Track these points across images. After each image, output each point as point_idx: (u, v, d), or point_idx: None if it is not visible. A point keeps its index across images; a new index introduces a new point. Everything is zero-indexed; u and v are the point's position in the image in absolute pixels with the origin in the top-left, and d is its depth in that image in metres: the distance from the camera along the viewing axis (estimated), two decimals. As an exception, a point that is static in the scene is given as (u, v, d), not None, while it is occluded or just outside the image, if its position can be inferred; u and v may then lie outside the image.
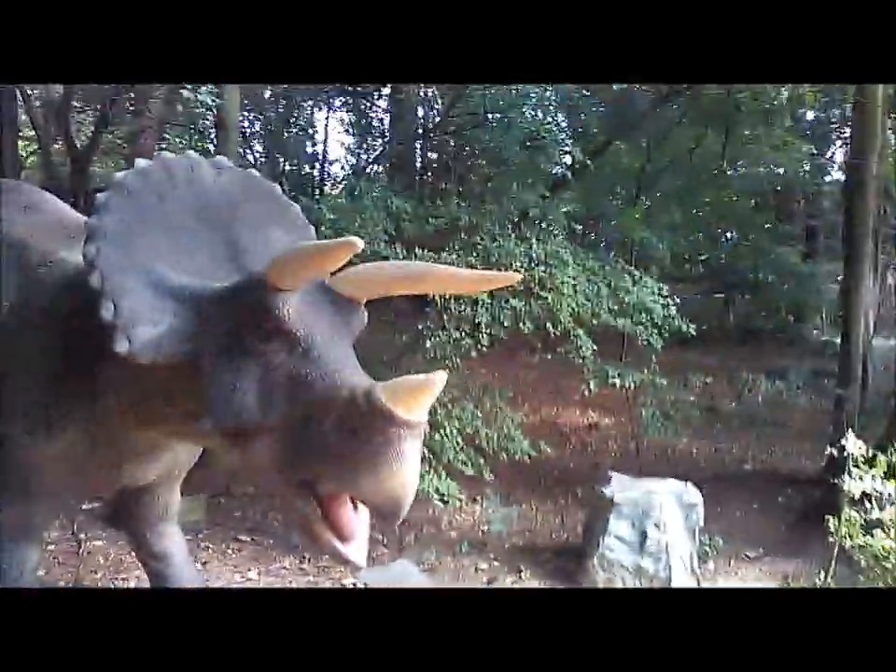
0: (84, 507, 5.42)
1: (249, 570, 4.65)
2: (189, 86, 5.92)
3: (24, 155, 13.48)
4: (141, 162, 2.40)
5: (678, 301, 5.96)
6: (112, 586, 4.26)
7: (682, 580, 4.57)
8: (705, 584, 4.71)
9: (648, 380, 6.08)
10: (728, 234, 16.41)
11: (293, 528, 5.22)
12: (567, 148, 9.48)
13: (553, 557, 5.05)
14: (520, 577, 4.81)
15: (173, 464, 3.15)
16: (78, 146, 9.84)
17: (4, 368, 2.69)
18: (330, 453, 1.85)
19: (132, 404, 2.53)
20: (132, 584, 4.26)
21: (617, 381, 5.85)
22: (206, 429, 2.05)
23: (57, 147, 11.22)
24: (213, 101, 5.80)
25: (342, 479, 1.86)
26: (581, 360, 5.62)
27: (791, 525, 5.66)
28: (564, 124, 10.70)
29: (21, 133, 10.74)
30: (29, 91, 9.45)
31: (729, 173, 12.54)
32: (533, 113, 9.65)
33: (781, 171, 12.23)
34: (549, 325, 5.31)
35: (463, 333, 5.25)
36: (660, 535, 4.59)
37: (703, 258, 15.22)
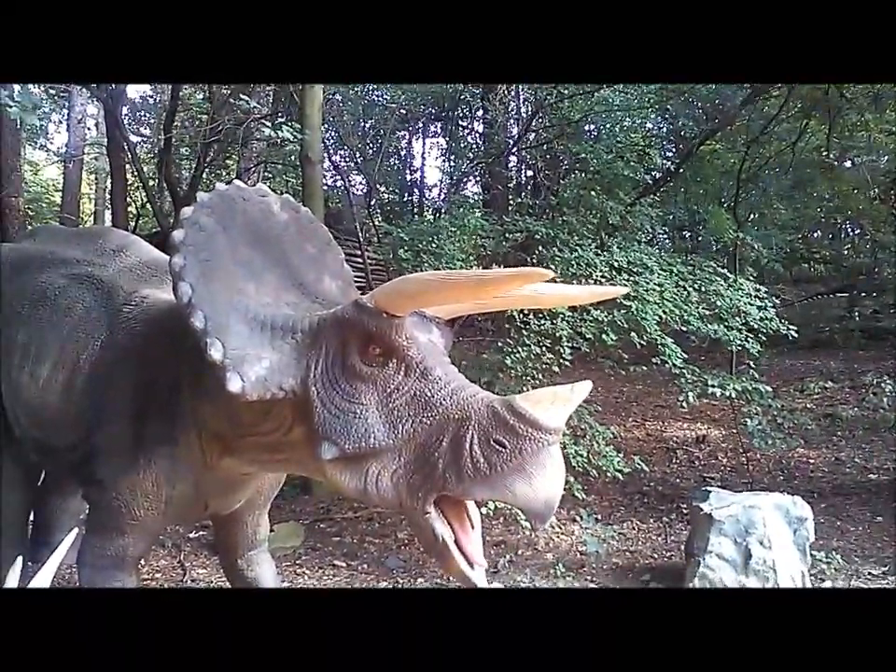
0: (191, 535, 5.63)
1: (342, 595, 4.66)
2: (270, 123, 6.11)
3: (141, 204, 14.41)
4: (203, 196, 2.39)
5: (776, 302, 5.58)
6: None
7: (793, 599, 4.21)
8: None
9: (751, 388, 5.68)
10: (849, 230, 15.50)
11: (389, 553, 5.23)
12: (658, 153, 9.17)
13: (653, 578, 4.79)
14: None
15: (256, 492, 3.20)
16: (181, 193, 10.36)
17: (98, 406, 2.80)
18: (478, 466, 1.87)
19: (216, 437, 2.58)
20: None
21: (717, 390, 5.52)
22: (329, 457, 2.04)
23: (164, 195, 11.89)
24: (294, 136, 5.92)
25: (494, 489, 1.88)
26: (677, 371, 5.38)
27: (921, 540, 5.14)
28: (655, 129, 10.40)
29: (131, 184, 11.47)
30: (134, 140, 10.03)
31: (844, 164, 11.80)
32: (623, 119, 9.44)
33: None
34: (634, 335, 5.07)
35: (544, 348, 5.09)
36: (765, 552, 4.26)
37: (820, 256, 14.34)
